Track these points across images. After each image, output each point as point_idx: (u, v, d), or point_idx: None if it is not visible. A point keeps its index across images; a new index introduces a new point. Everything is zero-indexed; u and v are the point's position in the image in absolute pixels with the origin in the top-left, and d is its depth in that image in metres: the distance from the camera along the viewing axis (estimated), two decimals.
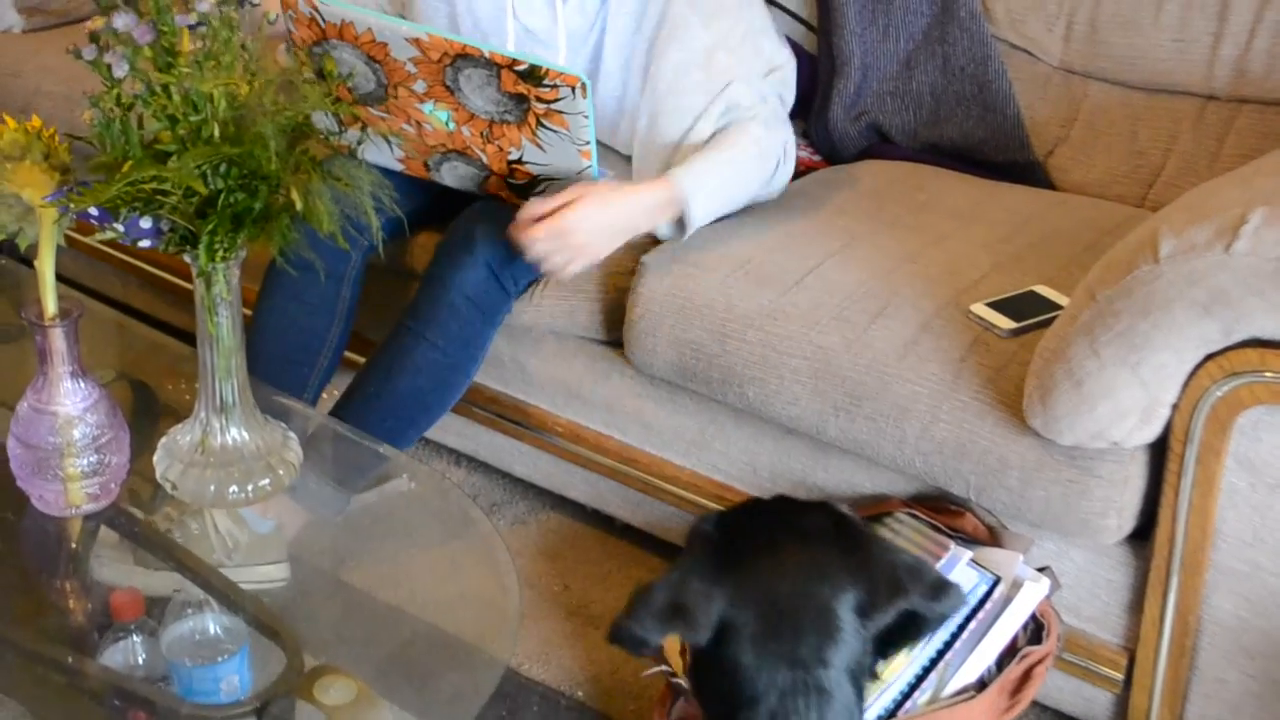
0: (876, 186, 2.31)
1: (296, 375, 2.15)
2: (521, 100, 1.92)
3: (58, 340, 1.55)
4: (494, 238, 2.07)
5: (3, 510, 1.71)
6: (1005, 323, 1.87)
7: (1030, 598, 1.71)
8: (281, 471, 1.64)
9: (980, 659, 1.70)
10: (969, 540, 1.81)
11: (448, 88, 1.95)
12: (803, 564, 1.49)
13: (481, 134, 2.01)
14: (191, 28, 1.42)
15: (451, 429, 2.41)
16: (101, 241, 1.62)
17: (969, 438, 1.79)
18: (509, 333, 2.24)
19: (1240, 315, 1.57)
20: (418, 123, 2.04)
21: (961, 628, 1.70)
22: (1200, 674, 1.77)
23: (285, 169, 1.43)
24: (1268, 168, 1.79)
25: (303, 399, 2.14)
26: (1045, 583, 1.72)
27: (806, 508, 1.60)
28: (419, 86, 1.97)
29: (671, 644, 1.84)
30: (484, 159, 2.06)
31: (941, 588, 1.49)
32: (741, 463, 2.08)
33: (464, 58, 1.89)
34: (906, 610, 1.48)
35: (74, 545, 1.68)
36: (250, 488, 1.62)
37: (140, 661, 1.50)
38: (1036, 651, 1.74)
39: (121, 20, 1.37)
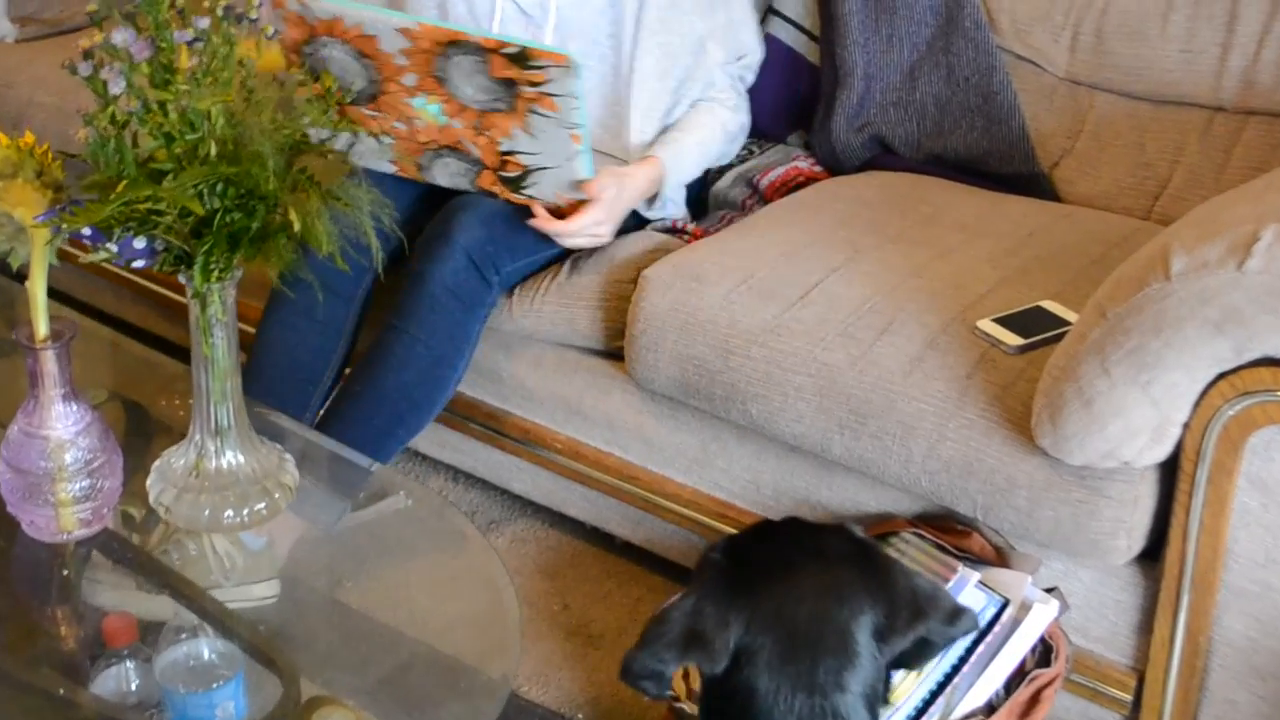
0: (880, 198, 2.29)
1: (301, 393, 2.13)
2: (511, 86, 1.91)
3: (49, 363, 1.52)
4: (472, 228, 2.06)
5: None
6: (1012, 339, 1.84)
7: (1039, 620, 1.69)
8: (278, 495, 1.61)
9: (988, 682, 1.68)
10: (976, 561, 1.78)
11: (437, 79, 1.94)
12: (819, 587, 1.46)
13: (473, 125, 1.99)
14: (190, 43, 1.39)
15: (449, 445, 2.38)
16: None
17: (976, 457, 1.77)
18: (507, 346, 2.22)
19: (1253, 334, 1.54)
20: (409, 119, 2.03)
21: (970, 651, 1.68)
22: (1210, 695, 1.75)
23: (283, 188, 1.40)
24: (1278, 182, 1.76)
25: (303, 418, 2.11)
26: (1054, 605, 1.70)
27: (820, 530, 1.58)
28: (409, 80, 1.96)
29: None
30: (476, 152, 2.04)
31: (958, 614, 1.47)
32: (744, 480, 2.06)
33: (454, 45, 1.89)
34: (922, 635, 1.46)
35: (66, 572, 1.65)
36: (246, 512, 1.59)
37: (133, 688, 1.47)
38: (1045, 674, 1.71)
39: (119, 36, 1.34)
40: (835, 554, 1.50)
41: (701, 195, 2.44)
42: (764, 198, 2.37)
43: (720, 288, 1.99)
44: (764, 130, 2.53)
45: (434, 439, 2.38)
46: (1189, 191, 2.21)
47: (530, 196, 2.07)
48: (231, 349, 1.54)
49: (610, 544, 2.32)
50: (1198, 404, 1.62)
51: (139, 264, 1.46)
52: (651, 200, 2.24)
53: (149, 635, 1.49)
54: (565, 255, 2.18)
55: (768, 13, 2.54)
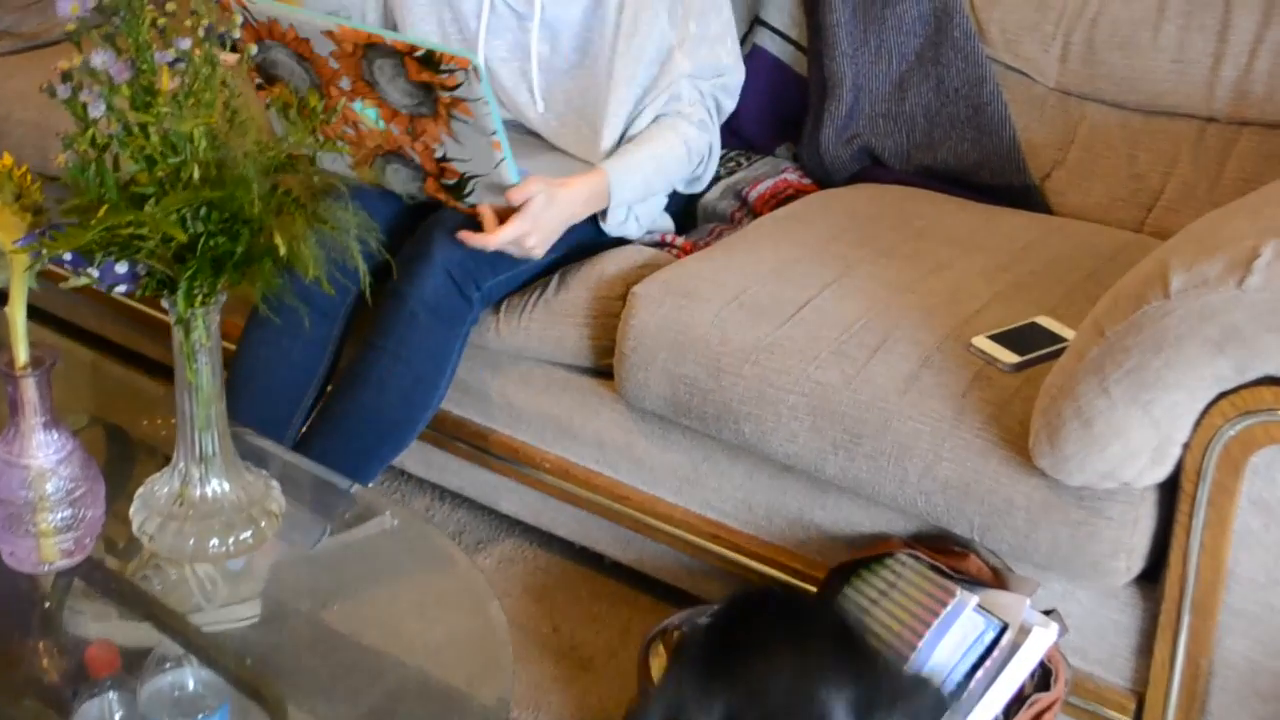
0: (871, 212, 2.26)
1: (282, 411, 2.10)
2: (429, 90, 1.89)
3: (30, 391, 1.48)
4: (451, 244, 2.03)
5: None
6: (1008, 356, 1.82)
7: (1039, 644, 1.66)
8: (264, 523, 1.58)
9: (987, 708, 1.65)
10: (972, 582, 1.75)
11: (367, 82, 1.93)
12: (798, 667, 1.46)
13: (407, 130, 1.98)
14: (171, 64, 1.35)
15: (435, 464, 2.35)
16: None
17: (973, 477, 1.74)
18: (494, 364, 2.19)
19: (1254, 353, 1.52)
20: (354, 124, 2.01)
21: (968, 677, 1.65)
22: (1211, 718, 1.72)
23: (268, 212, 1.37)
24: (1277, 196, 1.75)
25: (284, 436, 2.08)
26: (1054, 628, 1.67)
27: (798, 606, 1.58)
28: (345, 83, 1.95)
29: None
30: (416, 158, 2.02)
31: (940, 704, 1.46)
32: (736, 500, 2.03)
33: (372, 47, 1.88)
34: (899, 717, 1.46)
35: (48, 603, 1.62)
36: (231, 541, 1.56)
37: (117, 719, 1.43)
38: (1044, 698, 1.69)
39: (99, 58, 1.30)
40: (814, 632, 1.51)
41: (689, 208, 2.41)
42: (753, 210, 2.35)
43: (711, 305, 1.96)
44: (752, 142, 2.51)
45: (420, 458, 2.34)
46: (1182, 203, 2.19)
47: (473, 205, 2.05)
48: (216, 374, 1.51)
49: (600, 564, 2.29)
50: (1198, 424, 1.60)
51: (121, 289, 1.43)
52: (603, 215, 2.15)
53: (133, 664, 1.46)
54: (550, 270, 2.15)
55: (754, 23, 2.52)
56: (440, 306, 2.02)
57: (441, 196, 2.07)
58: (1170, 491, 1.67)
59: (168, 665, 1.45)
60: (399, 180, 2.08)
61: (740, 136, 2.50)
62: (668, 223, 2.30)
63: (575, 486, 2.18)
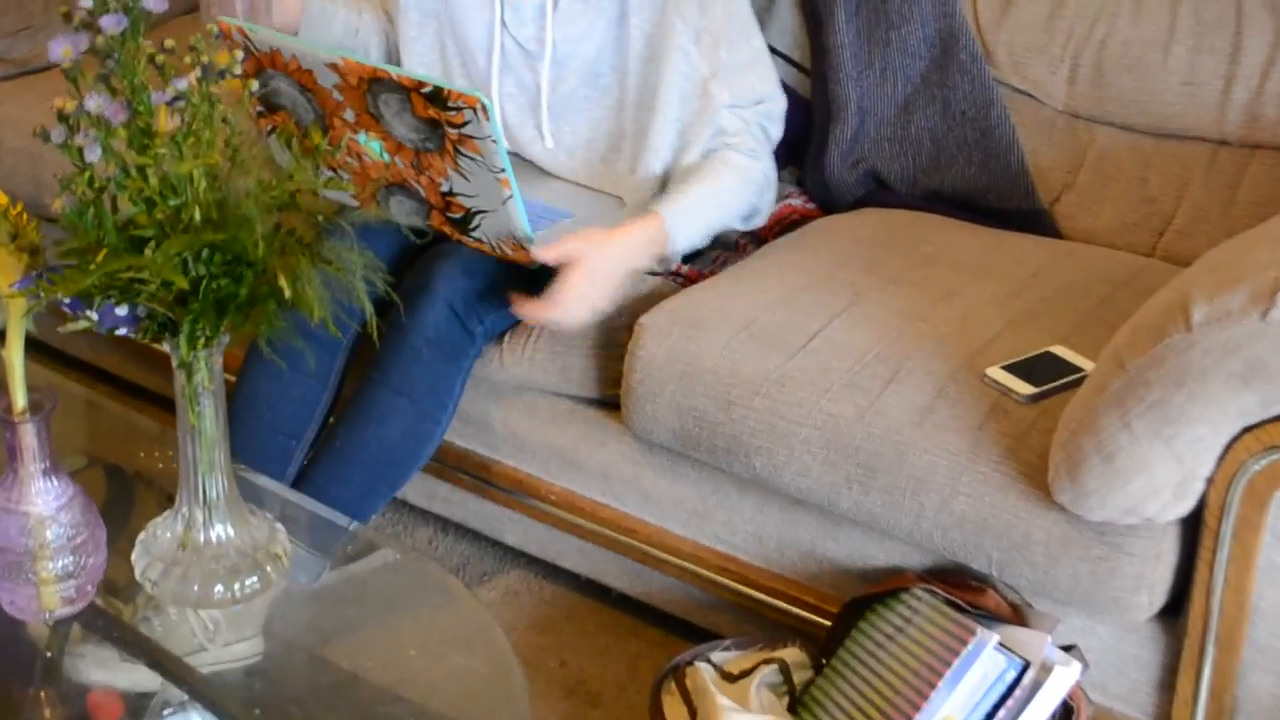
0: (878, 237, 2.23)
1: (283, 446, 2.07)
2: (436, 126, 1.86)
3: (29, 437, 1.44)
4: (453, 277, 2.00)
5: None
6: (1024, 388, 1.79)
7: (1061, 683, 1.63)
8: (269, 568, 1.54)
9: None
10: (990, 618, 1.72)
11: (372, 115, 1.91)
12: None
13: (412, 164, 1.95)
14: (169, 103, 1.32)
15: (438, 496, 2.32)
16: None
17: (991, 512, 1.71)
18: (498, 395, 2.15)
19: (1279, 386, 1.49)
20: (358, 155, 1.99)
21: (990, 716, 1.62)
22: None
23: (272, 253, 1.33)
24: None
25: (285, 472, 2.05)
26: (1076, 666, 1.64)
27: None
28: (349, 115, 1.93)
29: None
30: (421, 191, 1.99)
31: None
32: (746, 533, 1.99)
33: (378, 82, 1.85)
34: None
35: (49, 653, 1.58)
36: (237, 587, 1.52)
37: None
38: None
39: (93, 102, 1.27)
40: None
41: None
42: (758, 237, 2.31)
43: (720, 335, 1.93)
44: None
45: (422, 490, 2.31)
46: (1194, 227, 2.16)
47: (479, 240, 2.01)
48: (220, 418, 1.47)
49: (606, 596, 2.26)
50: (1222, 458, 1.57)
51: (121, 332, 1.40)
52: (661, 260, 2.10)
53: (137, 709, 1.43)
54: None
55: None
56: (443, 340, 1.99)
57: (447, 230, 2.04)
58: (1192, 525, 1.64)
59: (171, 710, 1.43)
60: (402, 212, 2.05)
61: None
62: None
63: (581, 519, 2.15)
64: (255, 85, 1.42)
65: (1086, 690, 1.73)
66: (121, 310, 1.37)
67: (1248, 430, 1.55)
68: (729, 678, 1.83)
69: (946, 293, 2.03)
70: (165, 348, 1.42)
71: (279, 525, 1.59)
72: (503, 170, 1.87)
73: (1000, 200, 2.31)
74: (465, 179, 1.91)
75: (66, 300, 1.37)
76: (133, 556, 1.55)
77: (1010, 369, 1.82)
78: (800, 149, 2.43)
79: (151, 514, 1.59)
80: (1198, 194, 2.18)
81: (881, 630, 1.77)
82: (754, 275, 2.10)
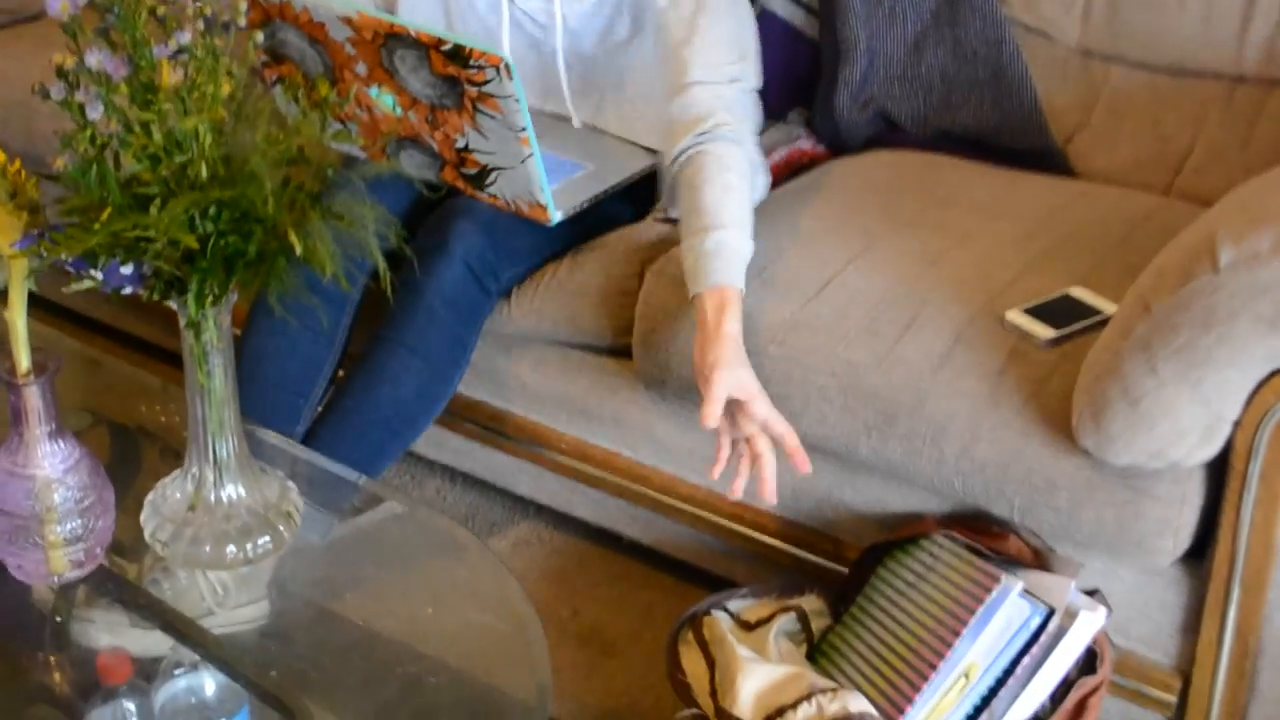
0: (890, 180, 2.19)
1: (291, 403, 2.03)
2: (454, 83, 1.82)
3: (33, 399, 1.41)
4: (469, 235, 1.97)
5: None
6: (1044, 331, 1.76)
7: (1086, 628, 1.61)
8: (282, 527, 1.51)
9: (1033, 696, 1.61)
10: (1012, 563, 1.70)
11: (386, 70, 1.87)
12: None
13: (426, 119, 1.91)
14: (172, 57, 1.28)
15: (447, 446, 2.29)
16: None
17: (1013, 457, 1.69)
18: (509, 347, 2.12)
19: None
20: (368, 108, 1.95)
21: (1014, 664, 1.60)
22: (1260, 696, 1.68)
23: (281, 209, 1.30)
24: None
25: (294, 430, 2.02)
26: (1101, 611, 1.62)
27: None
28: (361, 69, 1.89)
29: (700, 685, 1.74)
30: (434, 146, 1.96)
31: None
32: None
33: (394, 37, 1.81)
34: None
35: (58, 617, 1.56)
36: (249, 547, 1.49)
37: None
38: (1090, 682, 1.64)
39: (93, 58, 1.23)
40: None
41: None
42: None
43: None
44: (764, 107, 2.43)
45: (431, 440, 2.28)
46: (1211, 166, 2.12)
47: (493, 195, 1.98)
48: (229, 376, 1.44)
49: (617, 544, 2.24)
50: (1249, 401, 1.55)
51: (127, 291, 1.36)
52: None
53: (150, 668, 1.40)
54: (564, 253, 2.08)
55: None
56: (459, 300, 1.96)
57: (460, 185, 2.00)
58: (1218, 469, 1.62)
59: (182, 670, 1.41)
60: (413, 165, 2.01)
61: None
62: None
63: (593, 468, 2.12)
64: (260, 37, 1.37)
65: (1110, 634, 1.71)
66: (127, 269, 1.34)
67: (1275, 373, 1.52)
68: (746, 626, 1.81)
69: (962, 235, 2.00)
70: (173, 305, 1.39)
71: (290, 483, 1.57)
72: (524, 129, 1.83)
73: (1013, 140, 2.27)
74: (483, 136, 1.87)
75: (70, 260, 1.33)
76: (141, 518, 1.52)
77: (1030, 312, 1.79)
78: (809, 90, 2.39)
79: (158, 472, 1.56)
80: (1214, 132, 2.14)
81: (902, 577, 1.75)
82: (766, 219, 2.05)
